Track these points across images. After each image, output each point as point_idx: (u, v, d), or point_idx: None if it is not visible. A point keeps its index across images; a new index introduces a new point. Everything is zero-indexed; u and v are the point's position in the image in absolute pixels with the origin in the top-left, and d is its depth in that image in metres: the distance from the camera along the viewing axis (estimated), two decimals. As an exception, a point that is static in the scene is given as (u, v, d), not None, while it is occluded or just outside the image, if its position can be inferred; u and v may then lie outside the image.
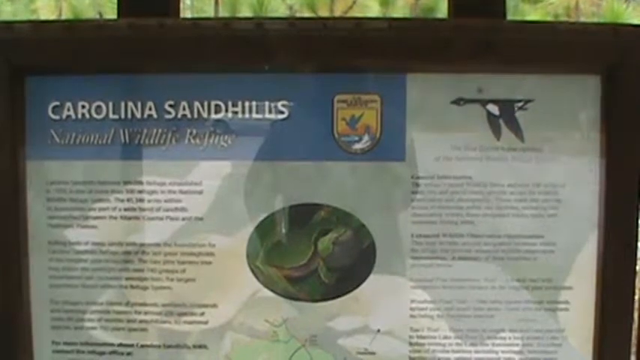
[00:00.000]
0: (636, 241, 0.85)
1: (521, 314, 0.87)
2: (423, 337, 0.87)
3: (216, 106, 0.85)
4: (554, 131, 0.86)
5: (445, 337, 0.87)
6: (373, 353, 0.87)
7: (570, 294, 0.87)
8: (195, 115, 0.86)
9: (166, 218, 0.86)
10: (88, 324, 0.89)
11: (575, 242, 0.86)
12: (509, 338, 0.87)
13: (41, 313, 0.89)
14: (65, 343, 0.89)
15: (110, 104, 0.87)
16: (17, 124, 0.87)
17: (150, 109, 0.86)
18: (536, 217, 0.86)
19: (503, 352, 0.87)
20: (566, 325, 0.87)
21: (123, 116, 0.86)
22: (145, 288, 0.87)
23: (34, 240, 0.88)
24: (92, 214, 0.87)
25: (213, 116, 0.85)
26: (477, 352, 0.87)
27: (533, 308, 0.87)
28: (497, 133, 0.85)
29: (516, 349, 0.87)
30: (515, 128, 0.85)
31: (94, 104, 0.87)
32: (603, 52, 0.84)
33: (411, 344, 0.87)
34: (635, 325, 0.86)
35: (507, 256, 0.86)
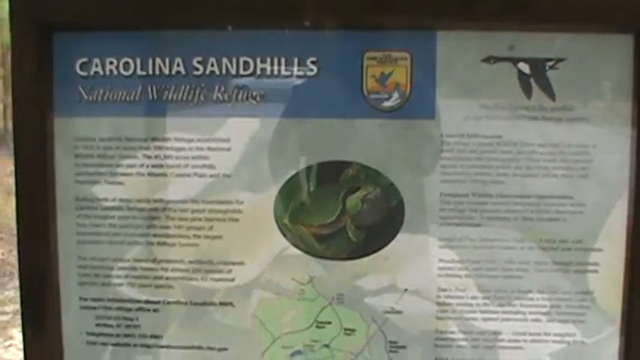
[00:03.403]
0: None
1: (549, 275, 0.86)
2: (451, 297, 0.86)
3: (245, 62, 0.85)
4: (586, 91, 0.84)
5: (473, 298, 0.86)
6: (400, 312, 0.87)
7: (600, 256, 0.86)
8: (224, 72, 0.85)
9: (194, 175, 0.86)
10: (115, 280, 0.89)
11: (605, 204, 0.85)
12: (537, 299, 0.86)
13: (69, 270, 0.89)
14: (92, 299, 0.90)
15: (138, 61, 0.86)
16: (45, 81, 0.87)
17: (178, 65, 0.86)
18: (567, 177, 0.85)
19: (530, 312, 0.86)
20: (594, 287, 0.86)
21: (151, 72, 0.86)
22: (172, 245, 0.87)
23: (61, 196, 0.88)
24: (120, 170, 0.87)
25: (242, 73, 0.85)
26: (504, 312, 0.86)
27: (561, 269, 0.86)
28: (527, 92, 0.84)
29: (544, 310, 0.86)
30: (547, 87, 0.84)
31: (122, 61, 0.86)
32: (637, 10, 0.82)
33: (438, 304, 0.86)
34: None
35: (537, 216, 0.85)
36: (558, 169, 0.84)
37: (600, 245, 0.85)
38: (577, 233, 0.85)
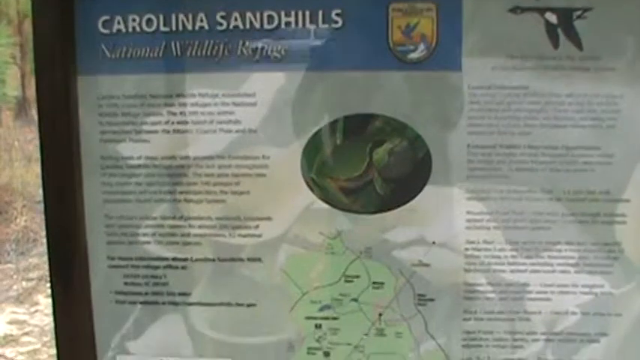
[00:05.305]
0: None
1: (577, 227, 0.86)
2: (479, 250, 0.86)
3: (269, 16, 0.84)
4: (613, 40, 0.83)
5: (501, 250, 0.86)
6: (428, 265, 0.87)
7: (628, 207, 0.85)
8: (248, 26, 0.85)
9: (219, 131, 0.86)
10: (142, 239, 0.89)
11: (633, 154, 0.85)
12: (565, 251, 0.86)
13: (96, 229, 0.89)
14: (120, 258, 0.90)
15: (161, 17, 0.86)
16: (67, 40, 0.87)
17: (201, 20, 0.85)
18: (594, 128, 0.84)
19: (558, 264, 0.86)
20: (622, 238, 0.86)
21: (174, 29, 0.85)
22: (199, 202, 0.87)
23: (86, 156, 0.88)
24: (145, 128, 0.87)
25: (266, 27, 0.84)
26: (532, 264, 0.86)
27: (589, 221, 0.86)
28: (555, 42, 0.83)
29: (572, 261, 0.86)
30: (574, 37, 0.83)
31: (145, 17, 0.86)
32: (666, -43, 0.81)
33: (466, 256, 0.86)
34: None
35: (564, 167, 0.85)
36: (586, 119, 0.84)
37: (628, 196, 0.85)
38: (604, 184, 0.85)
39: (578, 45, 0.83)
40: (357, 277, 0.87)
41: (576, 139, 0.84)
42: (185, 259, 0.89)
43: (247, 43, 0.84)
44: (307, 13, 0.83)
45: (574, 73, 0.83)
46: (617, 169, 0.84)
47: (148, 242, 0.89)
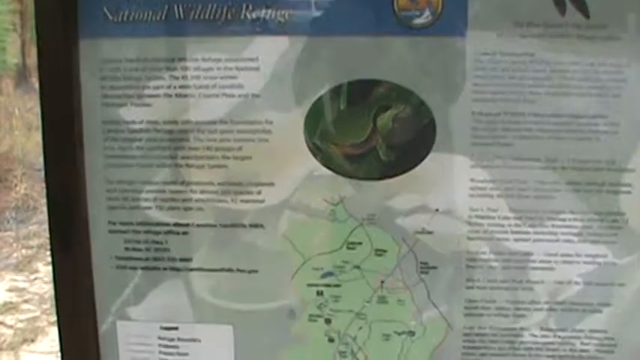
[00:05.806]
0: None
1: (581, 196, 0.85)
2: (482, 217, 0.85)
3: (273, -21, 0.83)
4: (621, 8, 0.82)
5: (504, 218, 0.85)
6: (431, 233, 0.86)
7: (633, 176, 0.85)
8: (252, -11, 0.83)
9: (222, 95, 0.85)
10: (143, 204, 0.88)
11: (639, 123, 0.83)
12: (569, 220, 0.86)
13: (97, 193, 0.89)
14: (121, 223, 0.89)
15: (163, -21, 0.84)
16: (69, 3, 0.85)
17: (205, -17, 0.83)
18: (600, 96, 0.83)
19: (562, 233, 0.86)
20: (627, 208, 0.85)
21: (177, -9, 0.84)
22: (201, 167, 0.87)
23: (88, 120, 0.87)
24: (147, 92, 0.86)
25: (270, -10, 0.83)
26: (535, 233, 0.86)
27: (594, 190, 0.85)
28: (561, 9, 0.82)
29: (576, 230, 0.86)
30: (581, 4, 0.82)
31: (147, -21, 0.84)
32: None
33: (469, 224, 0.86)
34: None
35: (569, 136, 0.84)
36: (592, 87, 0.83)
37: (633, 166, 0.84)
38: (610, 153, 0.84)
39: (585, 13, 0.82)
40: (360, 244, 0.86)
41: (582, 107, 0.83)
42: (186, 225, 0.88)
43: (251, 7, 0.83)
44: (312, -24, 0.82)
45: (580, 42, 0.82)
46: (623, 138, 0.84)
47: (150, 207, 0.88)
